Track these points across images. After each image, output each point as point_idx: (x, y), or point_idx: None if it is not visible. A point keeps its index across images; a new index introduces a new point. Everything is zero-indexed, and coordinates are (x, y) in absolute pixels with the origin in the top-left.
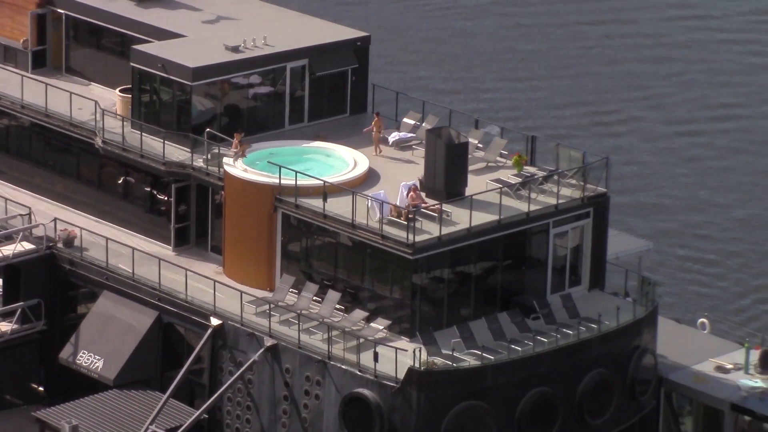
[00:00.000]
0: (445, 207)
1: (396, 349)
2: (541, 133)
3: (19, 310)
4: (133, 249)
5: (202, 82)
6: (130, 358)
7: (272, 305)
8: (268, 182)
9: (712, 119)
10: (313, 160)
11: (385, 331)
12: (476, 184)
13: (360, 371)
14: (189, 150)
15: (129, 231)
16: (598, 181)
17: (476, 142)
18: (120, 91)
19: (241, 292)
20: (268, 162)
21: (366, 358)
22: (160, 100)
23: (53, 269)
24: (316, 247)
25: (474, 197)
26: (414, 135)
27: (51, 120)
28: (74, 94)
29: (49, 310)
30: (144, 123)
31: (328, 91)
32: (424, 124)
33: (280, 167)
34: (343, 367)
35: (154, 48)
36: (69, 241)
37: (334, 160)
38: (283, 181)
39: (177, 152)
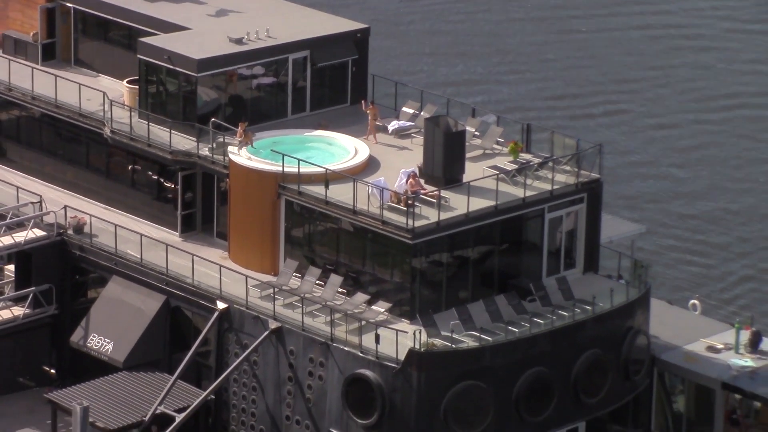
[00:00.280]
0: (444, 193)
1: (397, 331)
2: (534, 124)
3: (31, 295)
4: (141, 235)
5: (207, 73)
6: (139, 341)
7: (276, 289)
8: (272, 170)
9: (699, 110)
10: (315, 149)
11: (386, 313)
12: (473, 171)
13: (362, 353)
14: (195, 139)
15: (137, 218)
16: (591, 168)
17: (473, 130)
18: (127, 82)
19: (246, 277)
20: (272, 150)
21: (368, 339)
22: (166, 90)
23: (64, 255)
24: (318, 233)
25: (471, 184)
26: (413, 124)
27: (61, 111)
28: (83, 85)
29: (60, 294)
30: (151, 113)
31: (329, 82)
32: (422, 113)
33: (284, 155)
34: (346, 348)
35: (160, 40)
36: (79, 228)
37: (336, 149)
38: (286, 169)
39: (183, 141)
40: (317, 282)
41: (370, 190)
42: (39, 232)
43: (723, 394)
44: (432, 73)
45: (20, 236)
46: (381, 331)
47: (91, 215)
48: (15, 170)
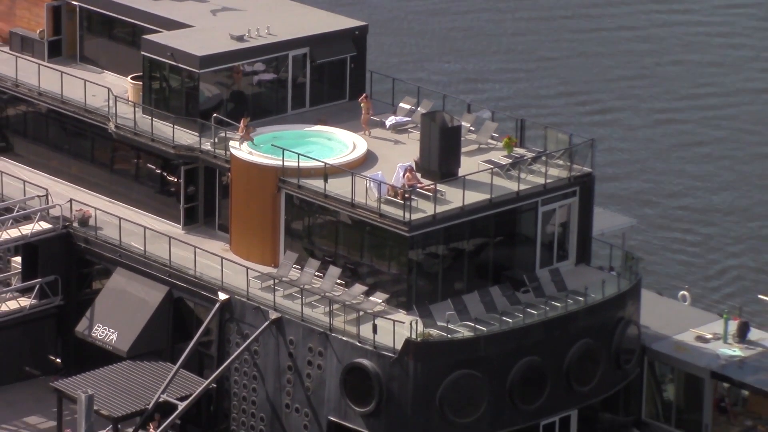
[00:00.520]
0: (440, 187)
1: (394, 321)
2: (528, 120)
3: (38, 286)
4: (145, 228)
5: (209, 69)
6: (142, 331)
7: (276, 280)
8: (272, 164)
9: (691, 108)
10: (314, 143)
11: (384, 304)
12: (469, 165)
13: (360, 342)
14: (197, 134)
15: (141, 211)
16: (583, 162)
17: (468, 125)
18: (131, 78)
19: (247, 268)
20: (272, 145)
21: (365, 330)
22: (169, 87)
23: (69, 247)
24: (317, 226)
25: (467, 177)
26: (410, 119)
27: (66, 106)
28: (88, 81)
29: (65, 286)
30: (154, 109)
31: (328, 78)
32: (419, 109)
33: (284, 150)
34: (344, 338)
35: (163, 38)
36: (84, 221)
37: (335, 143)
38: (286, 163)
39: (186, 136)
40: (316, 273)
41: (368, 184)
42: (45, 225)
43: (712, 382)
44: (428, 70)
45: (27, 229)
46: (378, 321)
47: (96, 208)
48: (22, 164)
